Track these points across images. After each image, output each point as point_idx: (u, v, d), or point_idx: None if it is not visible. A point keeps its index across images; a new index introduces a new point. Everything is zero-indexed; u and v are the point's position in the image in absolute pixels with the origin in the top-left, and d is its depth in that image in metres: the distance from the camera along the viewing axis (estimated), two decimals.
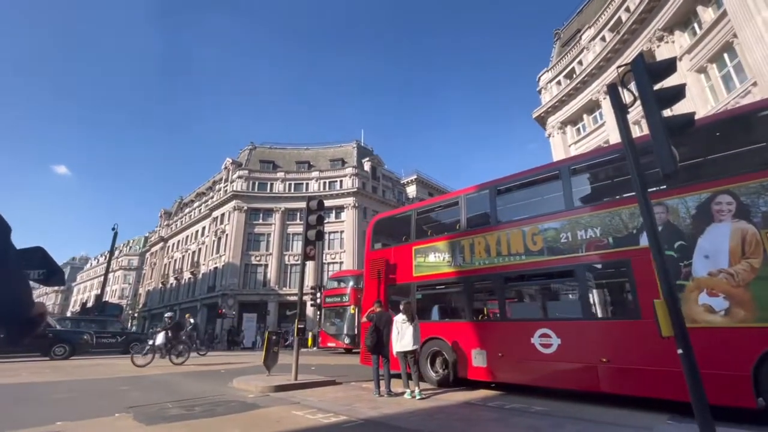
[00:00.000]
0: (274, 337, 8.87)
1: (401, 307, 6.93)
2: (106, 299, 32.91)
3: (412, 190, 46.77)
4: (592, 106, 23.40)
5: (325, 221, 12.32)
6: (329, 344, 20.40)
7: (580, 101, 23.84)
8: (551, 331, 6.29)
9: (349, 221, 36.94)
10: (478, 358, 7.14)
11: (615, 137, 17.60)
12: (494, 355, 6.94)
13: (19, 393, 6.87)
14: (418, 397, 6.30)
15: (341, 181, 39.00)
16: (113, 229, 27.48)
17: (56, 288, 76.39)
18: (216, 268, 37.17)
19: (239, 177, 38.58)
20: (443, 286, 8.52)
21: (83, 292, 76.38)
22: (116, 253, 62.04)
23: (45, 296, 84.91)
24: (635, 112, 18.05)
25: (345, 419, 4.99)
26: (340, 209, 37.73)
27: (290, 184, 39.27)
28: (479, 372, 7.10)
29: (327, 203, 28.89)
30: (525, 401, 6.15)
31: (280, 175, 39.38)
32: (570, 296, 7.29)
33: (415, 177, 47.21)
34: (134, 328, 47.81)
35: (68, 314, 66.25)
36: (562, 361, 6.10)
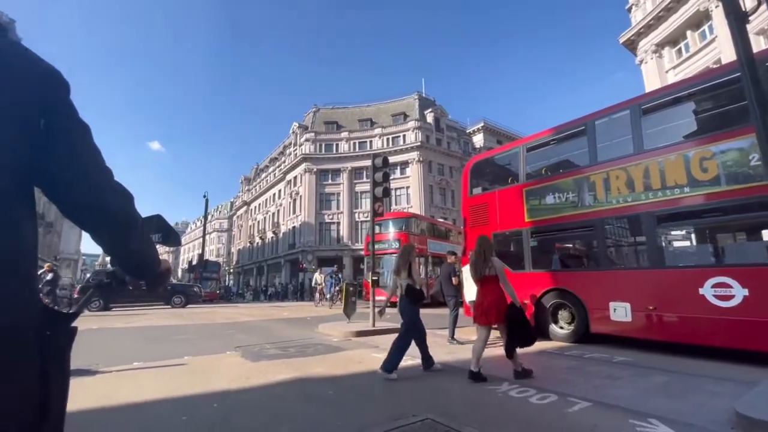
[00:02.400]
0: (351, 289, 9.54)
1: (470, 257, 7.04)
2: (207, 258, 37.83)
3: (478, 139, 44.56)
4: (699, 19, 19.42)
5: (391, 177, 12.45)
6: (379, 297, 18.22)
7: (683, 15, 19.89)
8: (732, 281, 5.13)
9: (414, 176, 36.77)
10: (618, 312, 6.21)
11: (729, 54, 14.57)
12: (642, 308, 5.98)
13: (153, 333, 8.43)
14: None
15: (404, 136, 38.46)
16: (204, 196, 30.83)
17: (168, 249, 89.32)
18: (294, 227, 40.14)
19: (306, 140, 40.03)
20: (566, 231, 7.48)
21: (187, 252, 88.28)
22: (209, 217, 69.96)
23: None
24: (760, 19, 14.59)
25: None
26: (404, 165, 37.59)
27: (354, 143, 39.79)
28: (620, 327, 6.19)
29: (391, 159, 28.71)
30: (606, 351, 5.94)
31: (344, 134, 40.00)
32: (762, 236, 5.77)
33: (482, 125, 44.66)
34: (231, 282, 54.61)
35: (179, 271, 77.29)
36: (750, 317, 4.94)
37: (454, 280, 7.26)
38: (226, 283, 47.16)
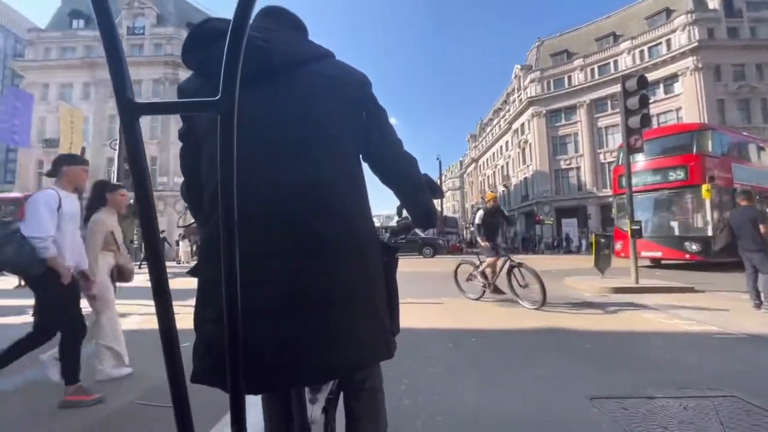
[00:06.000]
0: (603, 240, 8.39)
1: None
2: (446, 214, 41.91)
3: None
4: None
5: (651, 101, 9.79)
6: (646, 253, 11.57)
7: None
8: None
9: (689, 92, 27.30)
10: None
11: None
12: None
13: (414, 277, 10.23)
14: None
15: (668, 41, 28.86)
16: (437, 159, 33.86)
17: None
18: (526, 178, 38.36)
19: (531, 81, 36.52)
20: None
21: None
22: (443, 177, 76.42)
23: None
24: None
25: (717, 330, 4.18)
26: (671, 79, 28.46)
27: (592, 70, 33.19)
28: None
29: (650, 76, 22.03)
30: None
31: (578, 62, 33.92)
32: None
33: None
34: (469, 235, 58.49)
35: None
36: None
37: (762, 228, 5.19)
38: (465, 236, 50.91)
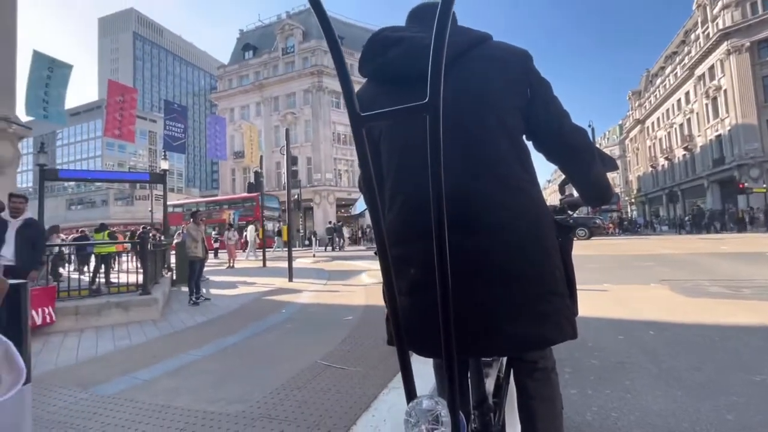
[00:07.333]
0: None
1: None
2: None
3: None
4: None
5: None
6: None
7: None
8: None
9: None
10: None
11: None
12: None
13: None
14: None
15: None
16: (590, 125, 29.38)
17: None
18: (719, 135, 29.90)
19: (725, 8, 27.90)
20: None
21: None
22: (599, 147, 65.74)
23: None
24: None
25: None
26: None
27: None
28: None
29: None
30: None
31: None
32: None
33: None
34: (634, 213, 49.33)
35: None
36: None
37: None
38: (629, 214, 43.18)
